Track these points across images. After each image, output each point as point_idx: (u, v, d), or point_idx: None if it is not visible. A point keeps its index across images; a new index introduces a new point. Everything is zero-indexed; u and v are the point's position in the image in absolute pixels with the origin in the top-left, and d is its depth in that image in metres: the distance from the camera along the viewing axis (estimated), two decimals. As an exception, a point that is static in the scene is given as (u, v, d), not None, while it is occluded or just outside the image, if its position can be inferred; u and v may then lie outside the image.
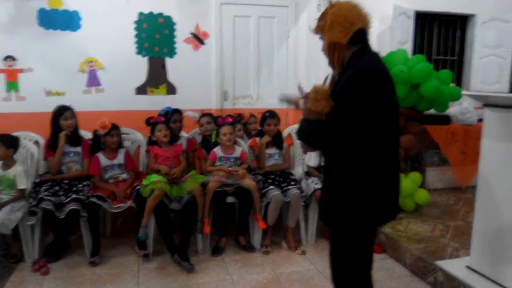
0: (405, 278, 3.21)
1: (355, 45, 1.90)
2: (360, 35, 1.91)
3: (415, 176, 4.21)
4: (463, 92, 4.22)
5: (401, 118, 4.39)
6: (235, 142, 3.85)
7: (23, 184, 3.41)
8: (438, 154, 5.06)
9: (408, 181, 4.11)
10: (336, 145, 1.87)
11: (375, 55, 1.95)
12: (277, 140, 3.91)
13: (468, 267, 2.91)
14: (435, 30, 5.79)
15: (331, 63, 1.97)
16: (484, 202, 2.81)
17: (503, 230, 2.64)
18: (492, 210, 2.73)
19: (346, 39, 1.88)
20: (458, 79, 5.88)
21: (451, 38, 5.88)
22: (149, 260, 3.46)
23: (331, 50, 1.93)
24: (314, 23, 2.01)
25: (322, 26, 1.93)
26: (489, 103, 2.76)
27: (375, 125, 1.81)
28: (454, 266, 2.97)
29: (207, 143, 3.88)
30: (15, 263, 3.34)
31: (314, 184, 3.74)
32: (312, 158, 2.22)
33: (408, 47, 5.24)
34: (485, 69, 5.71)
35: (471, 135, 4.97)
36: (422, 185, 4.40)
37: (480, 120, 4.75)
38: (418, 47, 5.66)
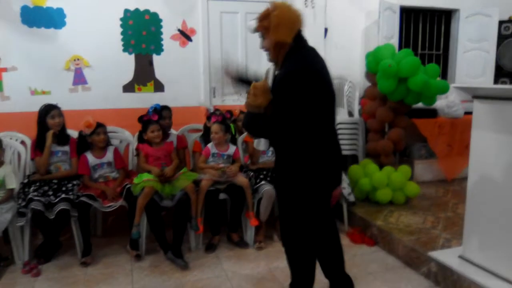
0: (398, 269, 3.24)
1: (294, 42, 2.16)
2: (299, 34, 2.19)
3: (404, 169, 4.25)
4: (453, 84, 4.27)
5: (390, 112, 4.44)
6: (234, 141, 3.85)
7: (13, 183, 3.34)
8: (425, 147, 5.12)
9: (398, 174, 4.15)
10: (274, 134, 2.20)
11: (311, 51, 2.21)
12: None
13: (460, 256, 2.95)
14: (420, 25, 5.85)
15: (275, 59, 2.22)
16: (475, 193, 2.85)
17: (494, 219, 2.68)
18: (483, 200, 2.76)
19: (291, 38, 2.15)
20: (444, 73, 5.97)
21: (436, 33, 5.96)
22: (142, 258, 3.43)
23: (277, 48, 2.17)
24: (253, 23, 2.23)
25: (267, 27, 2.15)
26: (478, 95, 2.79)
27: (308, 116, 2.09)
28: (446, 257, 3.01)
29: (207, 138, 3.85)
30: (5, 266, 3.27)
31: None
32: (262, 143, 2.40)
33: (394, 41, 5.30)
34: (469, 63, 5.82)
35: (457, 128, 5.04)
36: (411, 178, 4.44)
37: (467, 113, 4.83)
38: (404, 42, 5.72)
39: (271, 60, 2.27)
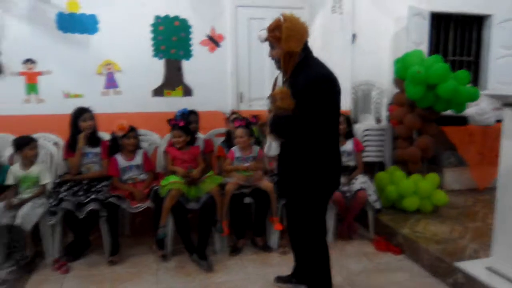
0: (424, 279, 3.19)
1: (302, 52, 2.36)
2: (306, 44, 2.39)
3: (432, 177, 4.18)
4: (483, 92, 4.18)
5: (418, 119, 4.38)
6: (259, 143, 3.86)
7: (47, 179, 3.50)
8: (455, 155, 5.02)
9: (426, 182, 4.09)
10: (302, 133, 2.33)
11: (322, 63, 2.40)
12: None
13: (488, 268, 2.89)
14: (450, 31, 5.75)
15: (285, 68, 2.39)
16: (504, 202, 2.79)
17: (525, 230, 2.62)
18: (513, 210, 2.71)
19: (300, 48, 2.33)
20: (475, 80, 5.85)
21: (467, 39, 5.85)
22: (168, 259, 3.49)
23: (287, 58, 2.34)
24: (264, 33, 2.41)
25: (277, 37, 2.33)
26: (509, 102, 2.74)
27: (327, 118, 2.31)
28: (474, 267, 2.95)
29: (230, 142, 3.89)
30: (25, 264, 3.36)
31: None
32: (273, 149, 2.50)
33: (424, 47, 5.22)
34: (502, 69, 5.68)
35: (489, 136, 4.92)
36: (440, 186, 4.37)
37: (498, 121, 4.71)
38: (434, 48, 5.63)
39: (279, 68, 2.46)
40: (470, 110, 4.96)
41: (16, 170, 3.46)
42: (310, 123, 2.28)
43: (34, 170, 3.47)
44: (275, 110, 2.35)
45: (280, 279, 3.06)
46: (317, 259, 2.60)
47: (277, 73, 2.56)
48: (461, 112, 4.50)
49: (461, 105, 4.26)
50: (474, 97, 4.23)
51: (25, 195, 3.40)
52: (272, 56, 2.46)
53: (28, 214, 3.23)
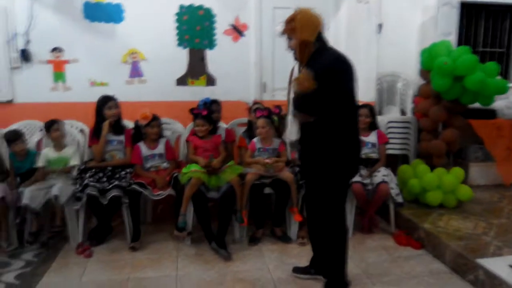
0: (444, 274, 3.14)
1: (317, 42, 2.51)
2: (320, 34, 2.53)
3: (457, 171, 4.10)
4: (510, 84, 4.05)
5: (444, 111, 4.28)
6: (279, 135, 3.84)
7: (76, 161, 3.72)
8: (482, 150, 4.89)
9: (450, 177, 4.01)
10: (322, 109, 2.47)
11: (337, 51, 2.55)
12: None
13: (511, 266, 2.83)
14: (481, 21, 5.57)
15: (300, 57, 2.55)
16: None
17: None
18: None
19: (313, 37, 2.50)
20: (506, 72, 5.66)
21: (499, 29, 5.66)
22: (188, 247, 3.55)
23: (303, 47, 2.50)
24: (280, 27, 2.60)
25: (293, 29, 2.50)
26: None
27: (339, 100, 2.46)
28: (496, 265, 2.89)
29: (251, 132, 3.90)
30: (52, 245, 3.52)
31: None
32: (293, 133, 2.70)
33: (453, 38, 5.09)
34: (534, 62, 5.47)
35: (518, 130, 4.79)
36: (465, 181, 4.27)
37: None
38: (464, 39, 5.47)
39: (296, 59, 2.61)
40: (499, 103, 4.83)
41: (48, 153, 3.66)
42: (324, 101, 2.43)
43: (67, 151, 3.70)
44: (300, 89, 2.50)
45: (298, 270, 3.08)
46: (334, 248, 2.70)
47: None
48: (489, 105, 4.38)
49: (488, 98, 4.15)
50: (502, 90, 4.10)
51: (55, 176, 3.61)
52: (290, 47, 2.62)
53: (62, 188, 3.42)
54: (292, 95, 2.66)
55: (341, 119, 2.51)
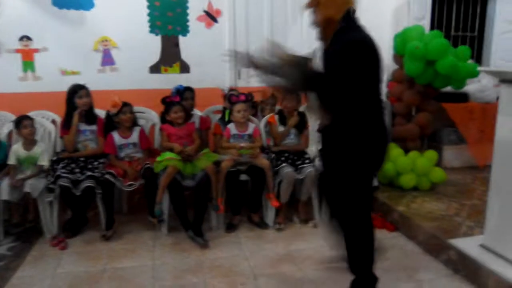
0: (418, 255, 3.21)
1: (344, 21, 2.18)
2: (349, 13, 2.19)
3: (430, 154, 4.16)
4: (479, 68, 4.12)
5: (417, 96, 4.33)
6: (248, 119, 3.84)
7: (45, 161, 3.54)
8: (455, 133, 4.98)
9: (424, 160, 4.07)
10: (321, 89, 2.20)
11: (362, 28, 2.21)
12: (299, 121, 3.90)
13: (481, 245, 2.89)
14: (453, 6, 5.63)
15: (323, 36, 2.27)
16: (499, 180, 2.77)
17: (518, 207, 2.61)
18: (507, 188, 2.69)
19: (339, 15, 2.18)
20: (478, 56, 5.75)
21: (471, 14, 5.72)
22: (164, 236, 3.53)
23: (326, 25, 2.22)
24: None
25: (317, 2, 2.22)
26: (505, 79, 2.70)
27: (356, 85, 2.11)
28: (467, 245, 2.95)
29: (226, 120, 3.88)
30: (25, 239, 3.46)
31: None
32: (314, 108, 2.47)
33: (426, 22, 5.14)
34: (505, 45, 5.56)
35: (489, 113, 4.84)
36: (439, 164, 4.35)
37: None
38: (437, 23, 5.52)
39: (319, 37, 2.32)
40: (471, 87, 4.90)
41: (18, 150, 3.52)
42: (333, 83, 2.12)
43: (36, 150, 3.54)
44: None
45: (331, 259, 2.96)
46: (363, 244, 2.47)
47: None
48: (461, 89, 4.44)
49: (460, 82, 4.21)
50: (473, 74, 4.16)
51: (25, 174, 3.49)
52: (314, 23, 2.32)
53: (34, 184, 3.36)
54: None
55: (360, 110, 2.22)
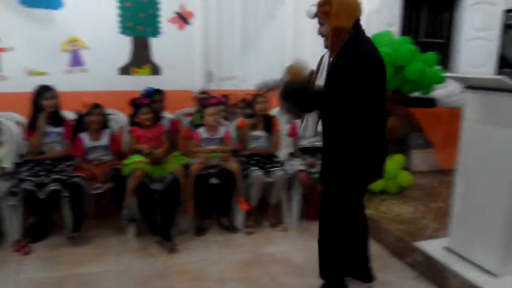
0: (384, 258, 3.25)
1: (354, 30, 2.22)
2: (357, 22, 2.24)
3: (398, 158, 4.24)
4: (445, 74, 4.21)
5: (387, 101, 4.39)
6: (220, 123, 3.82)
7: (7, 163, 3.44)
8: (423, 137, 5.08)
9: (392, 163, 4.13)
10: (320, 107, 2.29)
11: (369, 40, 2.29)
12: (267, 123, 3.91)
13: (446, 247, 2.96)
14: (423, 13, 5.75)
15: (332, 46, 2.24)
16: (462, 184, 2.84)
17: (480, 211, 2.68)
18: (470, 192, 2.76)
19: (350, 25, 2.19)
20: (446, 62, 5.88)
21: (439, 21, 5.85)
22: (131, 241, 3.47)
23: (336, 34, 2.20)
24: (313, 8, 2.26)
25: (327, 12, 2.19)
26: (469, 85, 2.77)
27: (363, 101, 2.18)
28: (432, 247, 3.02)
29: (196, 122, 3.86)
30: None
31: (298, 165, 3.76)
32: (309, 129, 2.50)
33: (396, 29, 5.23)
34: (472, 52, 5.72)
35: (456, 118, 4.93)
36: (407, 167, 4.43)
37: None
38: (407, 30, 5.63)
39: (327, 46, 2.32)
40: (439, 92, 5.01)
41: None
42: (332, 99, 2.20)
43: (1, 152, 3.44)
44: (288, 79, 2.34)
45: None
46: (336, 250, 2.52)
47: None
48: (429, 94, 4.54)
49: (427, 87, 4.30)
50: (440, 80, 4.26)
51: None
52: (321, 33, 2.32)
53: None
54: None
55: (361, 121, 2.25)
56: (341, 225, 2.47)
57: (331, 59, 2.29)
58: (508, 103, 2.47)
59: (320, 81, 2.37)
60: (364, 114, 2.24)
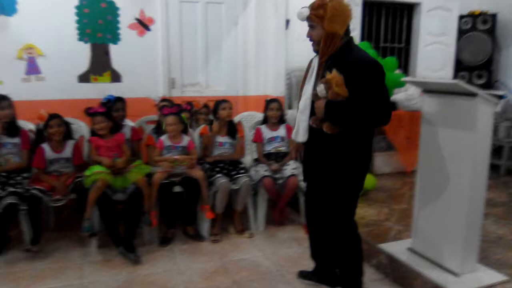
0: (350, 261, 3.27)
1: (345, 35, 2.27)
2: (348, 28, 2.29)
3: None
4: (405, 78, 4.31)
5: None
6: (185, 131, 3.76)
7: None
8: (385, 140, 5.18)
9: (355, 167, 4.18)
10: (357, 120, 2.23)
11: (362, 49, 2.34)
12: (230, 129, 3.88)
13: (409, 249, 3.01)
14: (382, 18, 5.88)
15: (324, 50, 2.26)
16: (424, 185, 2.90)
17: (442, 212, 2.74)
18: (431, 193, 2.82)
19: (343, 30, 2.23)
20: (405, 66, 6.04)
21: (398, 26, 6.01)
22: (93, 253, 3.36)
23: (329, 39, 2.23)
24: (306, 10, 2.27)
25: (321, 16, 2.20)
26: (427, 89, 2.84)
27: (381, 107, 2.21)
28: (396, 249, 3.07)
29: (160, 130, 3.78)
30: None
31: (263, 171, 3.75)
32: (300, 135, 2.44)
33: (356, 34, 5.31)
34: (430, 56, 5.90)
35: (416, 121, 5.10)
36: (370, 170, 4.49)
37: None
38: (366, 35, 5.75)
39: (316, 50, 2.35)
40: (399, 95, 5.12)
41: None
42: (365, 109, 2.18)
43: None
44: (332, 96, 2.21)
45: (302, 275, 2.95)
46: (352, 258, 2.57)
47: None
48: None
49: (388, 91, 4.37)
50: (400, 84, 4.36)
51: None
52: (311, 36, 2.33)
53: None
54: (308, 93, 2.38)
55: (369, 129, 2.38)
56: (353, 226, 2.57)
57: (320, 63, 2.33)
58: (463, 106, 2.54)
59: (309, 85, 2.40)
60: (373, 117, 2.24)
